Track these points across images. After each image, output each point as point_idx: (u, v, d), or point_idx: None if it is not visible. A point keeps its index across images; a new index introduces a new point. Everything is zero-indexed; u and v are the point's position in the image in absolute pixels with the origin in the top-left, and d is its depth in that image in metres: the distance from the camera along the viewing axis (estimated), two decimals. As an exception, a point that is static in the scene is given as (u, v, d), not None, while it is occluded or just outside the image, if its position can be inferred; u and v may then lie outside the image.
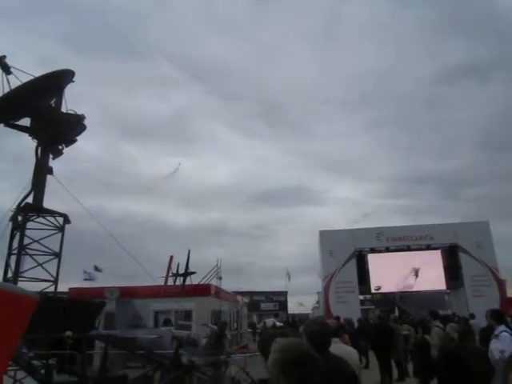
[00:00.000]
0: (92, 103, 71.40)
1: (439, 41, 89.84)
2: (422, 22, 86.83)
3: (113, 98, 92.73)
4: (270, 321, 37.65)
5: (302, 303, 55.70)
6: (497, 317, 5.96)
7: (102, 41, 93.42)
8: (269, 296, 60.08)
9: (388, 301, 43.29)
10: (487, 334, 6.89)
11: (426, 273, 29.11)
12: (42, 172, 14.94)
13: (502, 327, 5.67)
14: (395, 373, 12.00)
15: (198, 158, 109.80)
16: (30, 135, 15.20)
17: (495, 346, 5.36)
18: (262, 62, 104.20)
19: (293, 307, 56.97)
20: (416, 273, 29.09)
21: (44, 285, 14.50)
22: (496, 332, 5.63)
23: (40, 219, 14.91)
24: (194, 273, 25.08)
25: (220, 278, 24.63)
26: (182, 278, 24.73)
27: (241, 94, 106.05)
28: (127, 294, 19.15)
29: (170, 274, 25.77)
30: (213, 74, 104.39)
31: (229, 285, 28.07)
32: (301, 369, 1.86)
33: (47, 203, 15.32)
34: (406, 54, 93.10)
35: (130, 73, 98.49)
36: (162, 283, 23.97)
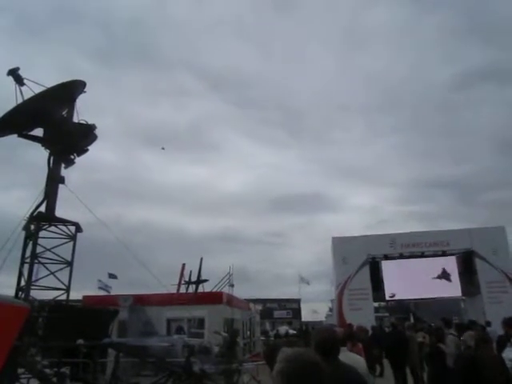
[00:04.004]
0: (112, 113, 72.31)
1: (457, 46, 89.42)
2: (440, 27, 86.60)
3: (132, 108, 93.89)
4: (282, 328, 37.34)
5: (316, 310, 55.24)
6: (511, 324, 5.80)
7: (122, 52, 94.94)
8: (282, 303, 59.76)
9: (403, 308, 42.74)
10: (504, 342, 6.72)
11: (441, 279, 28.71)
12: (54, 181, 15.10)
13: (518, 335, 5.52)
14: (410, 381, 11.79)
15: (214, 166, 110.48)
16: (42, 145, 15.40)
17: (507, 355, 5.21)
18: (280, 68, 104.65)
19: (306, 315, 56.56)
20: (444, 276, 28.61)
21: (56, 293, 14.61)
22: (512, 340, 5.47)
23: (52, 228, 15.05)
24: (206, 280, 25.04)
25: (232, 286, 24.59)
26: (194, 286, 24.71)
27: (258, 101, 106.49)
28: (140, 301, 19.20)
29: (183, 282, 25.75)
30: (231, 82, 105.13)
31: (241, 292, 28.03)
32: (306, 379, 1.82)
33: (63, 212, 15.50)
34: (423, 59, 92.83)
35: (150, 83, 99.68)
36: (175, 291, 23.97)
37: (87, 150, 16.01)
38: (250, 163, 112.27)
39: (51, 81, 14.73)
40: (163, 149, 37.67)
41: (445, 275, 28.74)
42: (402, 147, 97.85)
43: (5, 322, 1.92)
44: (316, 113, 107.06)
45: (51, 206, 15.01)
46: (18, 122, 14.53)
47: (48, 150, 15.39)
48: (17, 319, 2.00)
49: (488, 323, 16.00)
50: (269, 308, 55.49)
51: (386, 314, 44.35)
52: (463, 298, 31.47)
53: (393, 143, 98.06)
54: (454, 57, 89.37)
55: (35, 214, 14.74)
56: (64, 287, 14.56)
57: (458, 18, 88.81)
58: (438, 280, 28.68)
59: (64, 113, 15.82)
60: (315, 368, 1.85)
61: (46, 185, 15.05)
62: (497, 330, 12.24)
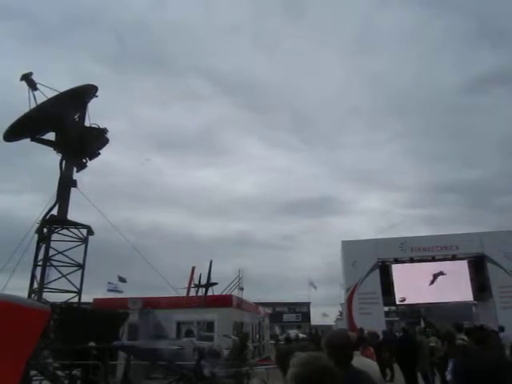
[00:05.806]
0: (124, 117, 72.85)
1: (468, 50, 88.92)
2: (451, 31, 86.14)
3: (144, 112, 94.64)
4: (292, 332, 37.20)
5: (326, 314, 54.99)
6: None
7: (134, 56, 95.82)
8: (291, 307, 59.58)
9: (413, 312, 42.40)
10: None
11: (452, 284, 28.40)
12: (66, 185, 15.25)
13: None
14: (422, 387, 11.69)
15: (225, 170, 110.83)
16: (54, 149, 15.57)
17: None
18: (290, 72, 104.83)
19: (316, 318, 56.38)
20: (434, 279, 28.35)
21: (68, 295, 14.72)
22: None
23: (64, 231, 15.19)
24: (215, 284, 25.03)
25: (242, 289, 24.56)
26: (204, 289, 24.72)
27: (269, 105, 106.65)
28: (150, 304, 19.28)
29: (192, 285, 25.79)
30: (242, 86, 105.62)
31: (251, 296, 27.99)
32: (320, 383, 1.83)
33: (75, 215, 15.65)
34: (434, 63, 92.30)
35: (161, 87, 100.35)
36: (185, 294, 24.02)
37: (99, 153, 16.16)
38: (261, 167, 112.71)
39: (64, 85, 14.88)
40: (148, 160, 38.48)
41: (437, 276, 28.43)
42: (413, 151, 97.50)
43: (27, 326, 1.96)
44: (326, 117, 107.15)
45: (63, 210, 15.15)
46: (32, 126, 14.72)
47: (60, 154, 15.56)
48: (39, 322, 2.04)
49: (501, 328, 15.81)
50: (278, 312, 55.38)
51: (397, 319, 44.03)
52: (475, 302, 31.13)
53: (403, 147, 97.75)
54: (464, 61, 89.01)
55: (48, 217, 14.89)
56: (76, 290, 14.68)
57: (469, 21, 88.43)
58: (446, 284, 28.34)
59: (76, 117, 15.99)
60: (329, 373, 1.85)
61: (58, 188, 15.20)
62: (510, 335, 12.11)
